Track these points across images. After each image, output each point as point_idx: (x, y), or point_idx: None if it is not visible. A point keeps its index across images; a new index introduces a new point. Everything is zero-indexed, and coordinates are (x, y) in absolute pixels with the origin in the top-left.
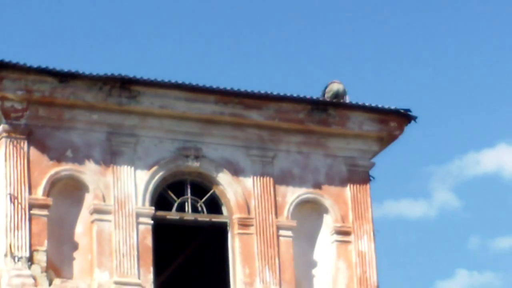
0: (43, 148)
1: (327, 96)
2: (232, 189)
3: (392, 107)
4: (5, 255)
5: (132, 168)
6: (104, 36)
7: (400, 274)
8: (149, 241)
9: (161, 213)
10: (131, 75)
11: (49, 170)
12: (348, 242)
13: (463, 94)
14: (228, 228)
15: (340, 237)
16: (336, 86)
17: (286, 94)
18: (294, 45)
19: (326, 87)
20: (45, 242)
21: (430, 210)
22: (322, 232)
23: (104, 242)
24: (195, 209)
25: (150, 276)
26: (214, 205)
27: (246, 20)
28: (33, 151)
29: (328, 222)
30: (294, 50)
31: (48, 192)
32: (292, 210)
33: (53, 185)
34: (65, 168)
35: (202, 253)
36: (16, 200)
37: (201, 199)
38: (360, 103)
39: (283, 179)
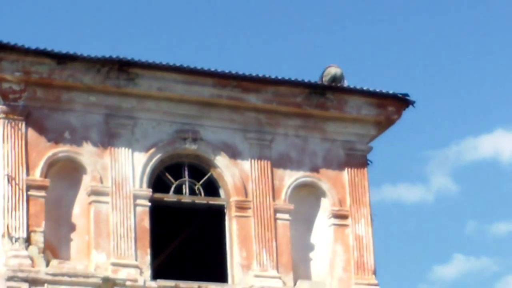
0: (41, 129)
1: (325, 80)
2: (230, 172)
3: (390, 91)
4: (3, 236)
5: (130, 150)
6: (103, 18)
7: (397, 258)
8: (146, 223)
9: (158, 195)
10: (129, 57)
11: (46, 151)
12: (345, 225)
13: (461, 79)
14: (225, 210)
15: (337, 221)
16: (334, 70)
17: (284, 77)
18: (292, 28)
19: (324, 71)
20: (43, 223)
21: (427, 195)
22: (319, 216)
23: (101, 224)
24: (192, 192)
25: (148, 258)
26: (212, 188)
27: (244, 3)
28: (31, 133)
29: (326, 206)
30: (292, 34)
31: (45, 174)
32: (289, 194)
33: (51, 166)
34: (63, 149)
35: (199, 236)
36: (13, 181)
37: (198, 181)
38: (358, 87)
39: (281, 162)
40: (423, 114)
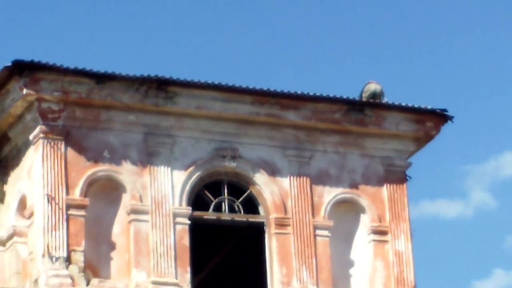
0: (80, 149)
1: (365, 96)
2: (269, 189)
3: (429, 107)
4: (43, 255)
5: (169, 168)
6: (141, 37)
7: (437, 274)
8: (186, 241)
9: (198, 213)
10: (167, 76)
11: (86, 170)
12: (385, 241)
13: (500, 94)
14: (265, 228)
15: (377, 237)
16: (373, 86)
17: (323, 94)
18: (332, 45)
19: (363, 87)
20: (83, 242)
21: (466, 210)
22: (359, 232)
23: (141, 242)
24: (232, 209)
25: (187, 276)
26: (251, 205)
27: (283, 20)
28: (70, 152)
29: (365, 222)
30: (332, 50)
31: (85, 193)
32: (329, 210)
33: (90, 185)
34: (102, 168)
35: (239, 253)
36: (53, 201)
37: (238, 199)
38: (396, 103)
39: (320, 179)
40: (462, 129)
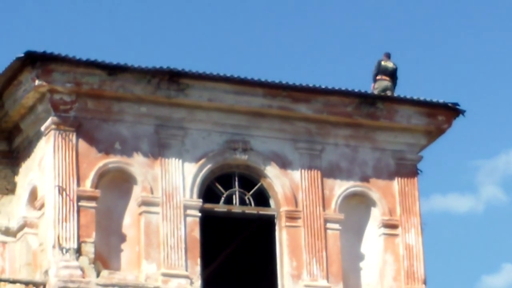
0: (91, 140)
1: (377, 89)
2: (280, 182)
3: (441, 100)
4: (53, 247)
5: (180, 160)
6: (153, 28)
7: (447, 268)
8: (196, 233)
9: (208, 205)
10: (179, 68)
11: (97, 162)
12: (395, 235)
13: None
14: (275, 220)
15: (387, 230)
16: (385, 81)
17: (334, 87)
18: (343, 38)
19: (378, 62)
20: (93, 233)
21: (477, 205)
22: (369, 225)
23: (151, 234)
24: (242, 202)
25: (198, 268)
26: (262, 198)
27: (295, 13)
28: (82, 143)
29: (376, 215)
30: (343, 43)
31: (96, 184)
32: (339, 203)
33: (101, 177)
34: (113, 160)
35: (249, 246)
36: (64, 192)
37: (248, 191)
38: (408, 96)
39: (331, 172)
40: (473, 123)
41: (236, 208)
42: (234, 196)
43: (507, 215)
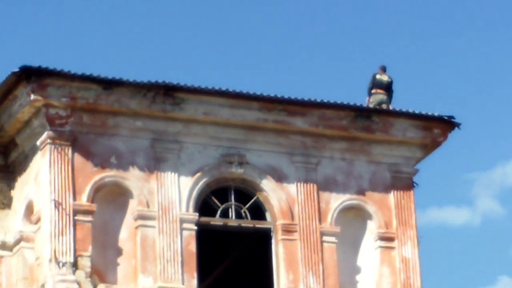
0: (87, 154)
1: (372, 102)
2: (276, 195)
3: (436, 113)
4: (50, 261)
5: (176, 174)
6: (148, 43)
7: (443, 280)
8: (193, 246)
9: (205, 219)
10: (175, 82)
11: (93, 176)
12: (391, 248)
13: (508, 101)
14: (271, 234)
15: (383, 243)
16: (380, 94)
17: (330, 100)
18: (339, 51)
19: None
20: (90, 247)
21: (473, 217)
22: (365, 238)
23: (148, 248)
24: (239, 215)
25: (194, 282)
26: (258, 211)
27: (291, 27)
28: (78, 158)
29: (372, 228)
30: (339, 56)
31: (92, 198)
32: (335, 216)
33: (97, 191)
34: (109, 174)
35: (245, 259)
36: (60, 206)
37: (245, 205)
38: (404, 109)
39: (327, 185)
40: (469, 136)
41: (232, 221)
42: (230, 210)
43: (503, 227)
